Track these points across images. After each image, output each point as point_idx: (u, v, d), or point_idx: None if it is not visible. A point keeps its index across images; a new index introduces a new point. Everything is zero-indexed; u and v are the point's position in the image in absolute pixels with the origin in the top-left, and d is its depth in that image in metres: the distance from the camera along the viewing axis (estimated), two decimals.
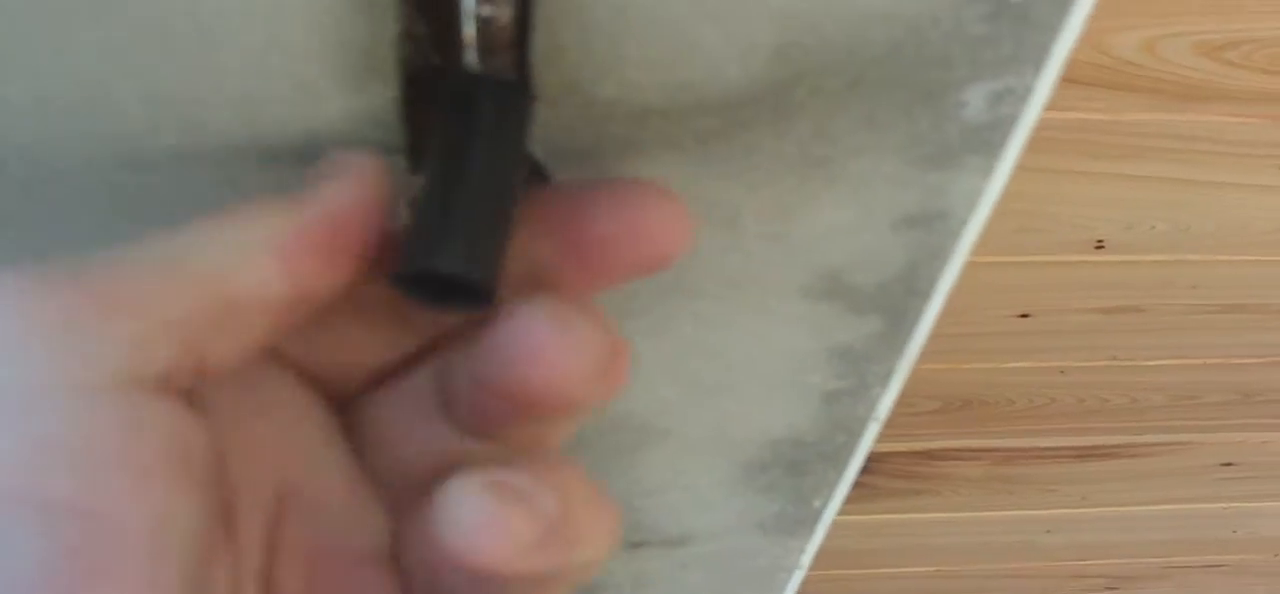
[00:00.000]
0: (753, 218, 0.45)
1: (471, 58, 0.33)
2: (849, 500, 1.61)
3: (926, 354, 1.44)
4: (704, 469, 0.62)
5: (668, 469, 0.62)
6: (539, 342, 0.30)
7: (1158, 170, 1.18)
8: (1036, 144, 1.14)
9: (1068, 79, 1.08)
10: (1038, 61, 0.40)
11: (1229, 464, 1.69)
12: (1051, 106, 1.10)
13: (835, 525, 1.69)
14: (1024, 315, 1.34)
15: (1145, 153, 1.16)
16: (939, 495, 1.64)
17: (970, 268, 1.25)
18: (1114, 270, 1.30)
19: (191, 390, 0.29)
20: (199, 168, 0.38)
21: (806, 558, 0.73)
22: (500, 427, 0.32)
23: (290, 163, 0.38)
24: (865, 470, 1.56)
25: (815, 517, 0.68)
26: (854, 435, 0.60)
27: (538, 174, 0.40)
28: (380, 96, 0.36)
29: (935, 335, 1.41)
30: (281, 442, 0.33)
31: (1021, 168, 1.18)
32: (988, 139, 0.43)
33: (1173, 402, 1.54)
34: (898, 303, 0.51)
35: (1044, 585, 1.93)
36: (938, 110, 0.41)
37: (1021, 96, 0.41)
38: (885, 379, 0.56)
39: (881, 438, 1.50)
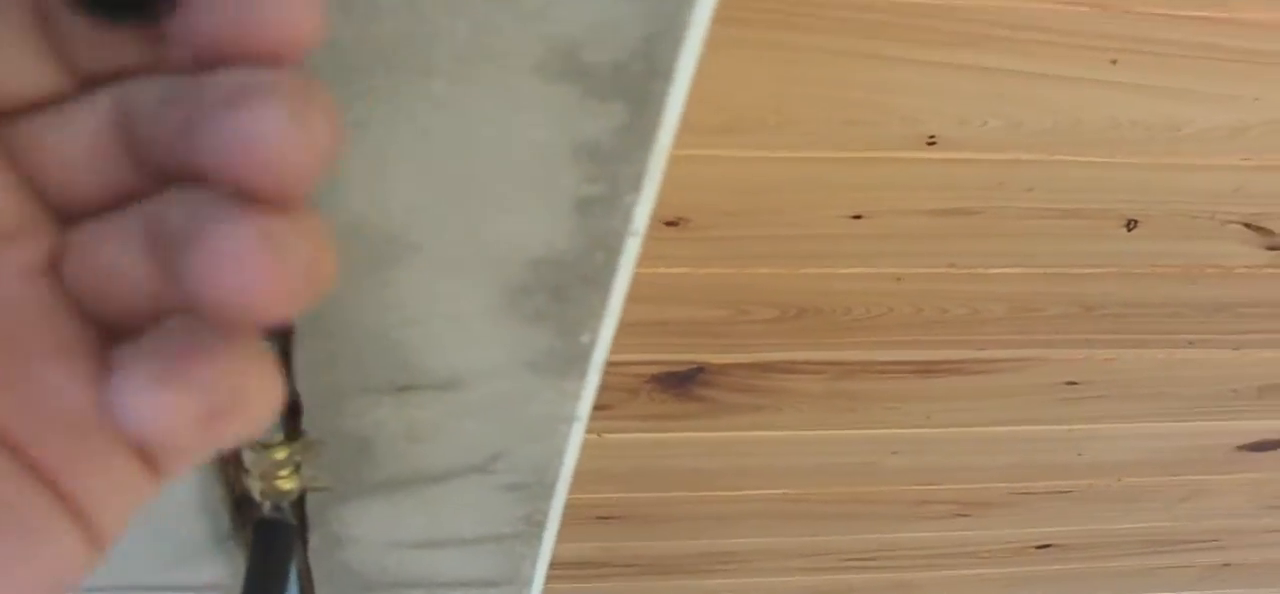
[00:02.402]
0: None
1: None
2: (689, 415, 1.59)
3: (759, 258, 1.42)
4: (464, 293, 0.59)
5: (425, 292, 0.58)
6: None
7: (987, 60, 1.17)
8: (861, 27, 1.12)
9: None
10: None
11: (1073, 383, 1.68)
12: None
13: (678, 443, 1.68)
14: (857, 217, 1.32)
15: (974, 41, 1.15)
16: (780, 411, 1.62)
17: (798, 163, 1.24)
18: (947, 169, 1.28)
19: None
20: None
21: (583, 407, 0.70)
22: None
23: None
24: (704, 383, 1.54)
25: (585, 355, 0.65)
26: (613, 252, 0.57)
27: None
28: None
29: (767, 238, 1.40)
30: None
31: (847, 53, 1.16)
32: None
33: (1014, 313, 1.53)
34: (639, 86, 0.48)
35: (891, 510, 1.93)
36: None
37: None
38: (637, 183, 0.53)
39: (718, 349, 1.49)
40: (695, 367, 1.52)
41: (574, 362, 0.65)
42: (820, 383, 1.58)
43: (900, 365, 1.58)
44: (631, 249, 0.57)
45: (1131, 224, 1.40)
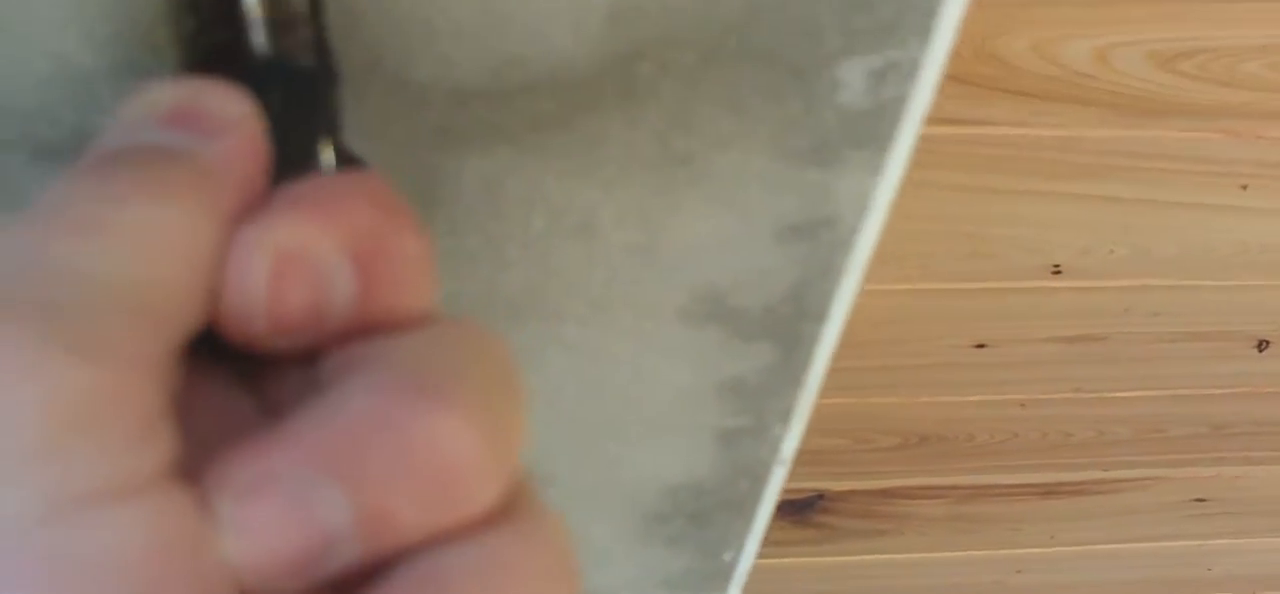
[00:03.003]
0: (611, 225, 0.39)
1: (259, 37, 0.27)
2: (808, 542, 1.55)
3: (881, 388, 1.38)
4: (598, 520, 0.56)
5: None
6: None
7: (1114, 190, 1.13)
8: (986, 163, 1.09)
9: (1017, 91, 1.03)
10: (924, 29, 0.33)
11: (1201, 500, 1.64)
12: (1000, 122, 1.05)
13: (796, 568, 1.64)
14: (980, 346, 1.29)
15: (1101, 171, 1.11)
16: (902, 536, 1.59)
17: (920, 295, 1.20)
18: (1072, 297, 1.25)
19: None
20: None
21: None
22: None
23: (66, 158, 0.32)
24: (823, 510, 1.50)
25: (727, 571, 0.62)
26: (758, 481, 0.54)
27: (351, 163, 0.34)
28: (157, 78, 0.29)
29: (888, 368, 1.36)
30: None
31: (970, 188, 1.13)
32: (872, 129, 0.37)
33: (1139, 435, 1.49)
34: (789, 328, 0.45)
35: None
36: (810, 91, 0.35)
37: (907, 74, 0.35)
38: (786, 417, 0.50)
39: (839, 476, 1.45)
40: (815, 494, 1.49)
41: (714, 578, 0.62)
42: (942, 507, 1.55)
43: (1024, 488, 1.54)
44: (778, 476, 0.53)
45: (1263, 345, 1.36)
